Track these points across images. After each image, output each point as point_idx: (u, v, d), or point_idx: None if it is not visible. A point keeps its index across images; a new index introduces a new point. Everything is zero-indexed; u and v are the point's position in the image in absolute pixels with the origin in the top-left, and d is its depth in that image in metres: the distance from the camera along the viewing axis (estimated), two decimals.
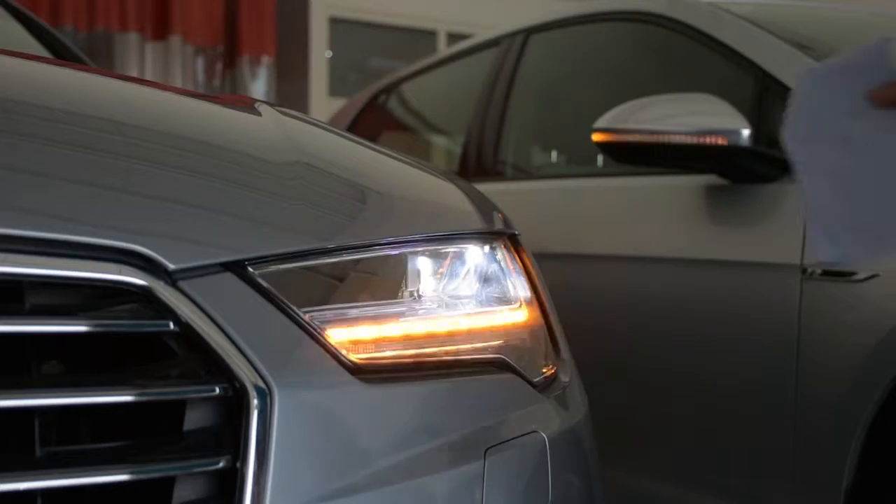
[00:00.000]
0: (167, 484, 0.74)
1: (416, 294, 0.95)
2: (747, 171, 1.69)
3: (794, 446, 1.54)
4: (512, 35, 2.67)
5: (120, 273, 0.74)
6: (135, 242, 0.76)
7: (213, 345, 0.76)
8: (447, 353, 0.95)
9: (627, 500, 1.86)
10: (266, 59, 6.51)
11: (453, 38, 6.66)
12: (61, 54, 1.93)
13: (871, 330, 1.42)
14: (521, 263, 1.08)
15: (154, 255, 0.76)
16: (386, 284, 0.94)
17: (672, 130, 1.70)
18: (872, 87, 0.90)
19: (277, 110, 1.15)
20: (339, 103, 4.69)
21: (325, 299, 0.87)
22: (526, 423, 0.97)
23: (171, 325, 0.76)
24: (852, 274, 1.46)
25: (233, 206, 0.86)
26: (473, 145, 2.63)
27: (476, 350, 0.97)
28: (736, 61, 1.86)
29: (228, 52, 6.52)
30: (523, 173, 2.73)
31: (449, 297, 0.97)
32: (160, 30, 6.21)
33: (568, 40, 2.60)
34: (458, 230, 1.01)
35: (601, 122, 1.85)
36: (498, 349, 0.99)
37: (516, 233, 1.12)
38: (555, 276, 1.38)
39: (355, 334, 0.88)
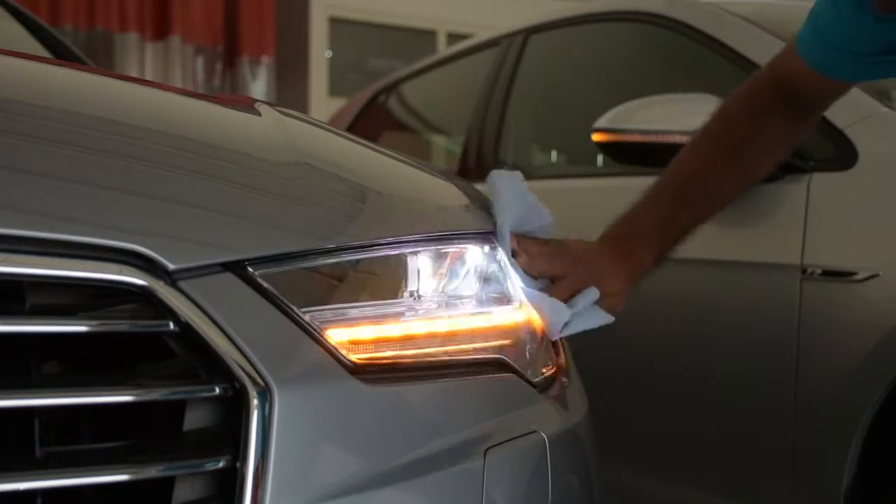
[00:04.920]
0: (167, 484, 0.74)
1: (416, 294, 0.95)
2: None
3: (794, 446, 1.54)
4: (512, 35, 2.67)
5: (120, 273, 0.74)
6: (135, 242, 0.75)
7: (213, 345, 0.76)
8: (447, 353, 0.95)
9: (627, 500, 1.86)
10: (266, 59, 6.51)
11: (453, 38, 6.66)
12: (61, 54, 1.93)
13: (871, 330, 1.42)
14: None
15: (154, 255, 0.76)
16: (386, 284, 0.94)
17: (672, 130, 1.70)
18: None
19: (277, 110, 1.15)
20: (339, 103, 4.69)
21: (325, 299, 0.87)
22: (526, 423, 0.97)
23: (171, 325, 0.76)
24: (852, 274, 1.47)
25: (233, 206, 0.86)
26: (473, 145, 2.63)
27: (476, 350, 0.97)
28: (736, 61, 1.86)
29: (228, 52, 6.52)
30: (523, 173, 2.72)
31: (449, 297, 0.97)
32: (160, 30, 6.21)
33: (568, 40, 2.60)
34: (458, 230, 1.01)
35: (601, 122, 1.85)
36: (498, 349, 0.99)
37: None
38: None
39: (355, 334, 0.88)
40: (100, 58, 5.67)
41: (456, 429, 0.90)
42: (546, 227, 1.16)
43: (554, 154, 2.87)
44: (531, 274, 1.10)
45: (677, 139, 1.67)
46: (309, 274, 0.87)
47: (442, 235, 0.99)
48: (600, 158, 2.28)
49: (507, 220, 1.08)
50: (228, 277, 0.80)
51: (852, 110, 1.62)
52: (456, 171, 2.65)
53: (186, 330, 0.76)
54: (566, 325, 1.10)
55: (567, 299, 1.11)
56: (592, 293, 1.13)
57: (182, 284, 0.77)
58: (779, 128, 1.25)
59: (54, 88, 1.01)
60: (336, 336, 0.85)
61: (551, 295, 1.09)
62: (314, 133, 1.14)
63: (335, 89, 6.70)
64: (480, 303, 1.00)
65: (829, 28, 1.15)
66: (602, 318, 1.14)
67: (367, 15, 6.92)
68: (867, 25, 1.10)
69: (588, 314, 1.13)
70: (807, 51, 1.18)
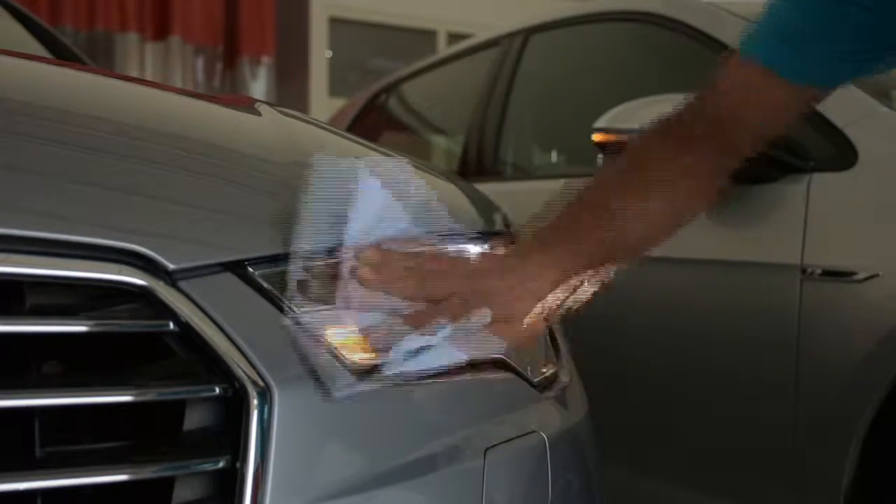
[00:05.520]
0: (167, 484, 0.74)
1: None
2: (747, 171, 1.68)
3: (794, 446, 1.54)
4: (512, 35, 2.67)
5: (120, 273, 0.74)
6: (135, 242, 0.75)
7: (213, 345, 0.76)
8: None
9: (627, 500, 1.86)
10: (266, 59, 6.51)
11: (453, 38, 6.66)
12: (61, 54, 1.93)
13: (871, 330, 1.42)
14: None
15: (154, 255, 0.76)
16: None
17: None
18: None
19: (277, 110, 1.15)
20: (339, 103, 4.69)
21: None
22: (526, 423, 0.97)
23: (171, 325, 0.76)
24: (852, 274, 1.47)
25: (233, 206, 0.86)
26: (473, 145, 2.63)
27: None
28: None
29: (228, 52, 6.52)
30: (523, 173, 2.73)
31: None
32: (160, 30, 6.20)
33: (568, 40, 2.60)
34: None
35: (601, 122, 1.85)
36: None
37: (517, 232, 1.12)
38: None
39: (355, 334, 0.88)
40: (100, 58, 5.67)
41: (456, 429, 0.89)
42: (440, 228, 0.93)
43: (554, 154, 2.87)
44: (393, 295, 0.86)
45: None
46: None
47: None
48: (600, 158, 2.28)
49: (352, 227, 0.86)
50: (228, 277, 0.80)
51: (852, 110, 1.62)
52: (456, 171, 2.65)
53: (186, 330, 0.76)
54: (393, 363, 0.84)
55: (437, 327, 0.87)
56: (478, 316, 0.88)
57: (182, 284, 0.77)
58: (702, 164, 1.08)
59: (54, 88, 1.01)
60: (336, 336, 0.85)
61: (414, 322, 0.86)
62: (314, 133, 1.14)
63: (335, 89, 6.69)
64: None
65: (790, 24, 0.98)
66: (454, 357, 0.87)
67: (367, 15, 6.92)
68: (828, 11, 0.94)
69: (442, 349, 0.86)
70: (771, 57, 0.99)
